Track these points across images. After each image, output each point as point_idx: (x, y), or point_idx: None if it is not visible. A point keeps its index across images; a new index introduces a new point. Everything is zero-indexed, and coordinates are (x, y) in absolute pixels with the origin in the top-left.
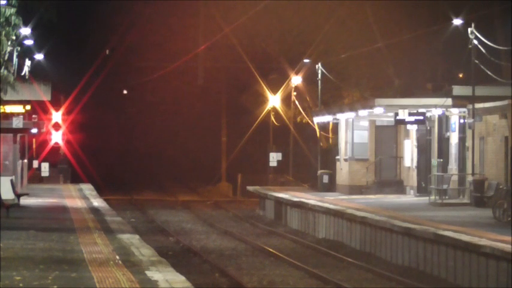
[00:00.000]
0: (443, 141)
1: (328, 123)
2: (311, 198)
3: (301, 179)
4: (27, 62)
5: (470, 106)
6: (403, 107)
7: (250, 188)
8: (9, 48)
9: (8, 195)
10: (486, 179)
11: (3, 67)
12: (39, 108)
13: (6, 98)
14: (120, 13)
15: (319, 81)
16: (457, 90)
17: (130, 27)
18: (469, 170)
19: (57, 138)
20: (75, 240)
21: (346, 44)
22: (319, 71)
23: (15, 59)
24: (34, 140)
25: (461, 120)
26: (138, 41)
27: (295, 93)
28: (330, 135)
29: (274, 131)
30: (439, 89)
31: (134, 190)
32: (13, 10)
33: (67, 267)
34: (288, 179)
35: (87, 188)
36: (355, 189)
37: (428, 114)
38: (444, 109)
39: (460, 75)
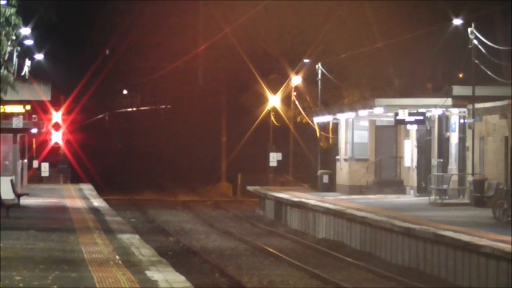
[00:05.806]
0: (443, 141)
1: (328, 123)
2: (311, 198)
3: (301, 179)
4: (27, 62)
5: (470, 106)
6: (403, 107)
7: (250, 188)
8: (9, 48)
9: (8, 195)
10: (486, 179)
11: (3, 67)
12: (39, 108)
13: (6, 98)
14: (120, 13)
15: (319, 81)
16: (457, 90)
17: (130, 27)
18: (469, 170)
19: (57, 138)
20: (75, 240)
21: (346, 44)
22: (319, 71)
23: (15, 59)
24: (34, 140)
25: (461, 120)
26: (138, 41)
27: (295, 93)
28: (330, 135)
29: (274, 131)
30: (439, 89)
31: (134, 190)
32: (13, 10)
33: (67, 267)
34: (288, 179)
35: (87, 188)
36: (355, 189)
37: (428, 114)
38: (444, 109)
39: (460, 75)
